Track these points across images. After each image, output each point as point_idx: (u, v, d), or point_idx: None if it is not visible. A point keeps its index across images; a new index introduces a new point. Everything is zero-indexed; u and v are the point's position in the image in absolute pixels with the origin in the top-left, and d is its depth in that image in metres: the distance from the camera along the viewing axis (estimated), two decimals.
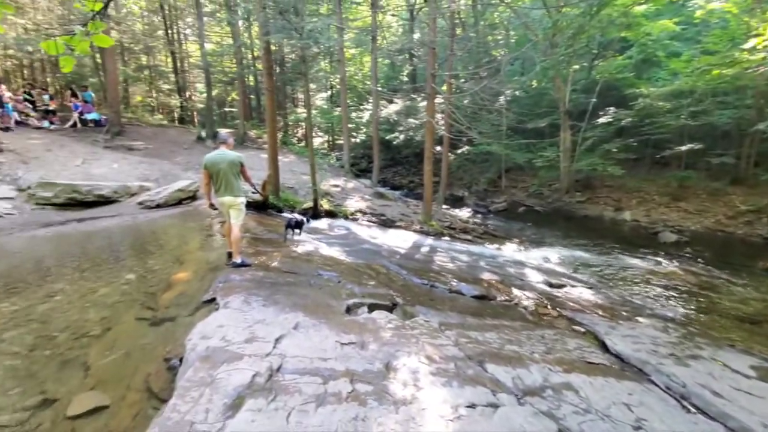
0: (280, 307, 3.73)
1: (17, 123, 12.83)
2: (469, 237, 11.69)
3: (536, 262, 9.33)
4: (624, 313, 6.16)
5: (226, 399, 2.19)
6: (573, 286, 7.48)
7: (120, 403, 2.42)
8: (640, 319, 5.96)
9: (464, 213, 15.62)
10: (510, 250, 10.61)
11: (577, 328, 5.19)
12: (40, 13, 16.55)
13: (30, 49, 15.93)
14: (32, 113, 13.80)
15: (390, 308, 4.54)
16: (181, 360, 2.67)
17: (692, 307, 6.82)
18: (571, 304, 6.28)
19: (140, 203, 9.15)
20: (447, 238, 11.08)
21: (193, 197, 9.89)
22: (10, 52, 18.42)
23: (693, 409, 3.32)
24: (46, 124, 13.96)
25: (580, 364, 3.89)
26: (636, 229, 13.48)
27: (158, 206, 9.01)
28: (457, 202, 18.28)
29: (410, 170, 24.05)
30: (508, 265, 9.04)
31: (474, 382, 3.05)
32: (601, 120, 14.81)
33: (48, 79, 22.06)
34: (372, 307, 4.37)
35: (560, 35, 14.38)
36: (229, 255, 5.07)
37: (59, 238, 6.81)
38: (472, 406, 2.69)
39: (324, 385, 2.54)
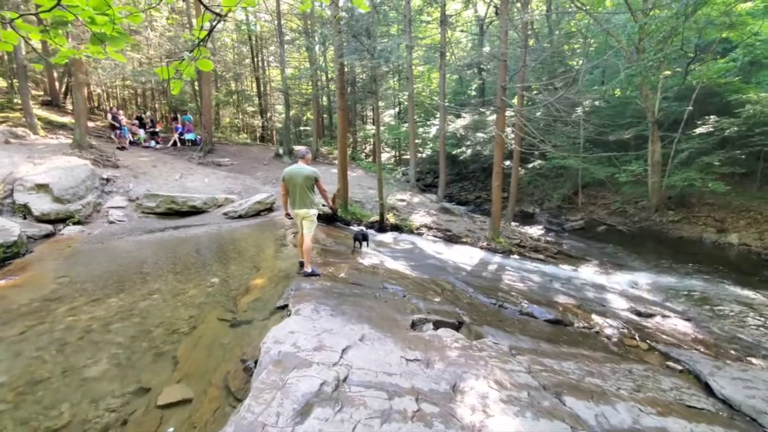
0: (346, 318, 3.79)
1: (130, 143, 14.92)
2: (541, 256, 10.99)
3: (620, 287, 8.45)
4: (732, 352, 5.29)
5: (296, 405, 2.25)
6: (666, 316, 6.63)
7: (202, 398, 2.61)
8: (753, 360, 5.07)
9: (535, 231, 14.79)
10: (588, 272, 9.77)
11: (672, 365, 4.56)
12: (152, 49, 19.26)
13: (143, 79, 18.58)
14: (142, 134, 15.96)
15: (456, 326, 4.39)
16: (256, 362, 2.82)
17: None
18: (665, 336, 5.55)
19: (225, 214, 10.03)
20: (516, 256, 10.54)
21: (270, 209, 10.61)
22: (128, 82, 21.64)
23: None
24: (152, 143, 16.04)
25: (678, 407, 3.39)
26: (745, 255, 11.63)
27: (240, 217, 9.80)
28: (527, 219, 17.37)
29: (477, 185, 23.48)
30: (587, 288, 8.31)
31: (550, 415, 2.79)
32: (699, 130, 13.18)
33: (156, 105, 25.49)
34: (437, 324, 4.26)
35: (648, 39, 13.20)
36: (301, 264, 5.31)
37: (158, 244, 7.69)
38: None
39: (389, 401, 2.51)
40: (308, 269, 5.04)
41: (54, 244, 7.37)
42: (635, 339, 5.33)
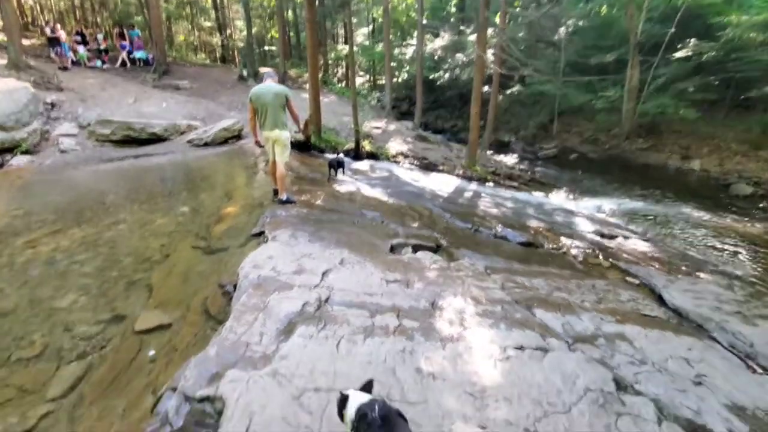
0: (325, 243, 3.76)
1: (73, 63, 13.27)
2: (514, 184, 11.18)
3: (587, 212, 8.82)
4: (684, 268, 5.74)
5: (279, 324, 2.26)
6: (627, 237, 7.03)
7: (181, 322, 2.58)
8: (701, 274, 5.54)
9: (510, 159, 14.90)
10: (559, 198, 10.08)
11: (630, 279, 4.91)
12: None
13: None
14: (82, 52, 14.14)
15: (434, 249, 4.47)
16: (235, 287, 2.78)
17: (764, 265, 6.23)
18: (625, 255, 5.92)
19: (189, 141, 9.40)
20: (491, 184, 10.66)
21: (238, 136, 10.02)
22: None
23: (760, 370, 3.09)
24: (98, 63, 14.35)
25: (635, 315, 3.69)
26: (704, 180, 12.25)
27: (206, 144, 9.23)
28: (502, 147, 17.35)
29: (453, 113, 22.91)
30: (557, 213, 8.62)
31: (522, 325, 2.97)
32: (679, 54, 12.97)
33: (98, 20, 22.39)
34: (416, 248, 4.32)
35: None
36: (275, 192, 5.12)
37: (119, 173, 7.21)
38: (520, 348, 2.63)
39: (371, 318, 2.56)
40: (283, 197, 4.88)
41: (4, 175, 6.77)
42: (599, 258, 5.65)
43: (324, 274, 3.06)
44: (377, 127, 13.84)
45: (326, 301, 2.68)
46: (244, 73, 17.19)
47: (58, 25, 13.41)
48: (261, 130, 4.78)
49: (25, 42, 13.40)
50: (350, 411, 1.42)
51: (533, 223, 7.23)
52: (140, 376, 2.12)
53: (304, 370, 1.89)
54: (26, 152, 7.84)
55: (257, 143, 5.01)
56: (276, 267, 2.97)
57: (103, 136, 8.95)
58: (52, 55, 12.73)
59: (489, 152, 14.79)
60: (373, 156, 10.60)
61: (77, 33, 14.81)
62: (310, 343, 2.11)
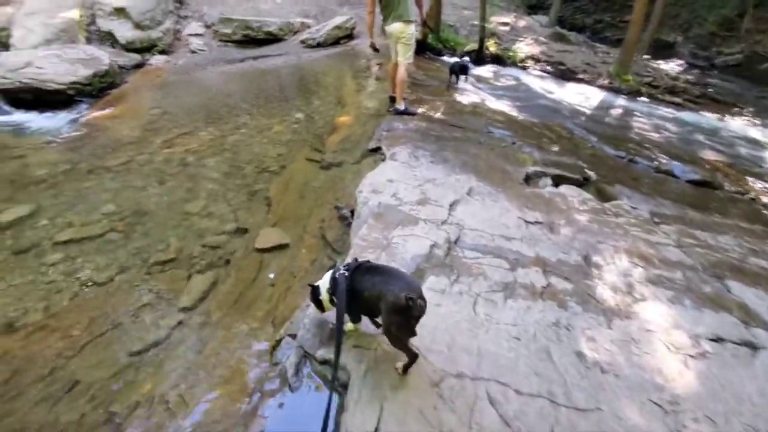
0: (449, 167, 3.20)
1: None
2: (678, 100, 8.76)
3: None
4: None
5: (405, 269, 1.90)
6: None
7: (299, 244, 2.42)
8: None
9: (673, 66, 11.67)
10: (740, 123, 7.67)
11: None
12: None
13: None
14: None
15: (579, 183, 3.61)
16: (352, 213, 2.49)
17: None
18: None
19: (302, 42, 9.06)
20: (645, 98, 8.51)
21: (350, 36, 9.32)
22: None
23: None
24: None
25: None
26: None
27: (318, 45, 8.80)
28: (663, 50, 13.56)
29: (599, 5, 18.35)
30: (739, 144, 6.59)
31: (715, 304, 2.19)
32: None
33: None
34: (557, 180, 3.52)
35: None
36: (392, 100, 4.57)
37: (240, 75, 7.30)
38: (718, 339, 1.92)
39: (512, 272, 2.06)
40: (400, 106, 4.30)
41: (145, 75, 7.35)
42: None
43: (451, 206, 2.57)
44: (504, 23, 11.71)
45: (456, 242, 2.22)
46: None
47: None
48: (383, 23, 4.06)
49: None
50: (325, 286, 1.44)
51: (707, 155, 5.60)
52: (261, 300, 2.04)
53: (441, 344, 1.53)
54: (162, 52, 8.34)
55: (372, 46, 4.33)
56: (397, 193, 2.56)
57: (225, 35, 9.06)
58: None
59: (645, 57, 11.69)
60: (497, 60, 9.07)
61: None
62: (444, 301, 1.73)
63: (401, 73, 4.21)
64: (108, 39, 8.02)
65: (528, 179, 3.46)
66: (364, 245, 2.01)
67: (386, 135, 3.69)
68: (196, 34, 9.22)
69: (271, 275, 2.25)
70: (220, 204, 3.04)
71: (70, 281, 2.35)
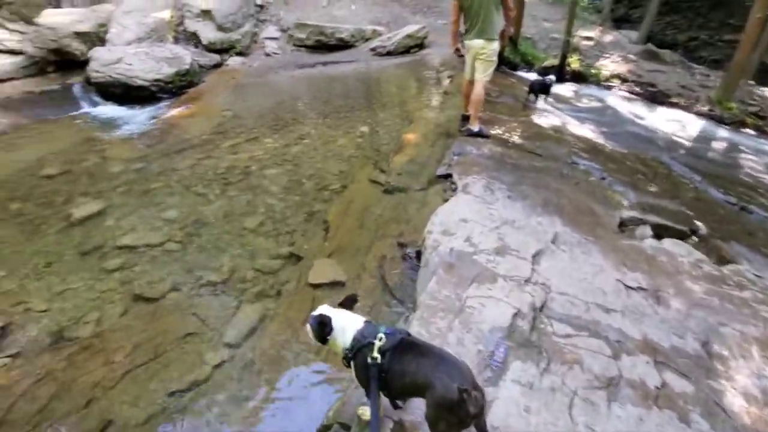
0: (529, 204, 2.80)
1: None
2: None
3: None
4: None
5: (482, 345, 1.57)
6: None
7: (355, 284, 2.19)
8: None
9: None
10: None
11: None
12: None
13: None
14: None
15: (685, 236, 3.03)
16: (418, 254, 2.20)
17: None
18: None
19: (372, 49, 8.96)
20: (751, 131, 7.39)
21: (421, 45, 9.08)
22: None
23: None
24: None
25: None
26: None
27: (389, 53, 8.65)
28: None
29: (694, 21, 16.49)
30: None
31: None
32: None
33: None
34: (659, 230, 2.97)
35: None
36: (464, 118, 4.23)
37: (310, 81, 7.34)
38: None
39: (615, 361, 1.65)
40: (474, 127, 3.95)
41: (221, 75, 7.63)
42: None
43: (534, 258, 2.19)
44: (588, 38, 10.85)
45: (542, 309, 1.85)
46: None
47: None
48: (464, 36, 3.76)
49: None
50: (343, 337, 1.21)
51: None
52: (309, 352, 1.81)
53: None
54: (240, 53, 8.65)
55: (456, 51, 4.05)
56: (471, 237, 2.23)
57: (299, 40, 9.22)
58: None
59: (750, 82, 10.23)
60: (579, 77, 8.35)
61: None
62: (533, 402, 1.37)
63: (478, 91, 3.87)
64: (192, 39, 8.44)
65: (622, 226, 2.96)
66: (434, 306, 1.71)
67: (457, 160, 3.36)
68: (272, 38, 9.48)
69: None
70: (277, 222, 2.90)
71: (124, 292, 2.30)
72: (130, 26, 7.82)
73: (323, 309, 1.29)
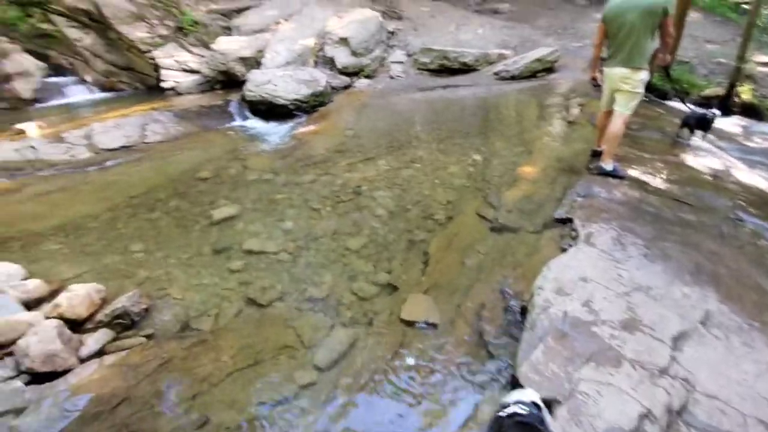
0: (673, 268, 2.31)
1: None
2: None
3: None
4: None
5: None
6: None
7: (449, 330, 2.06)
8: None
9: None
10: None
11: None
12: None
13: None
14: None
15: None
16: (523, 311, 1.98)
17: None
18: None
19: (496, 73, 8.73)
20: None
21: (550, 69, 8.53)
22: None
23: None
24: None
25: None
26: None
27: (512, 78, 8.32)
28: None
29: None
30: None
31: None
32: None
33: None
34: None
35: None
36: (594, 154, 3.78)
37: (428, 104, 7.46)
38: None
39: None
40: (607, 165, 3.48)
41: (348, 96, 8.25)
42: None
43: (675, 342, 1.77)
44: (765, 63, 8.87)
45: (680, 413, 1.47)
46: None
47: None
48: (606, 63, 3.38)
49: None
50: None
51: None
52: (396, 391, 1.74)
53: None
54: (367, 76, 9.27)
55: (593, 80, 3.68)
56: (592, 302, 1.92)
57: (423, 64, 9.50)
58: None
59: None
60: (750, 111, 6.84)
61: None
62: None
63: (616, 125, 3.40)
64: (329, 63, 9.34)
65: None
66: (536, 382, 1.49)
67: (581, 203, 2.98)
68: (398, 62, 9.94)
69: (411, 360, 1.94)
70: (378, 247, 2.94)
71: (240, 293, 2.57)
72: (281, 52, 9.03)
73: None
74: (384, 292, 2.46)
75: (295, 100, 7.12)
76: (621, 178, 3.43)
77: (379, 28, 10.12)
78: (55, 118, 6.73)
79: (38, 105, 7.98)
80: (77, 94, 8.79)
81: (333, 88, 8.36)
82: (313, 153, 5.04)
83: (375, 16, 10.33)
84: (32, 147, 5.10)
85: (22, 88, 8.01)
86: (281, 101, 7.05)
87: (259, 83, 7.25)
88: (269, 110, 7.03)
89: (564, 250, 2.42)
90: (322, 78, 7.84)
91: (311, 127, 6.20)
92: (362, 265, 2.75)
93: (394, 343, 2.04)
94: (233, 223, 3.46)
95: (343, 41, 9.41)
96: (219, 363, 1.98)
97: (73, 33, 8.99)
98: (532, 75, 8.46)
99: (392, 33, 10.88)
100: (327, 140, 5.57)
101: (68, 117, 6.94)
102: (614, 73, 3.31)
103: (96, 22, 8.98)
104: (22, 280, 2.61)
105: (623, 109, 3.32)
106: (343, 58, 9.21)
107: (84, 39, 9.04)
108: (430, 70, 9.43)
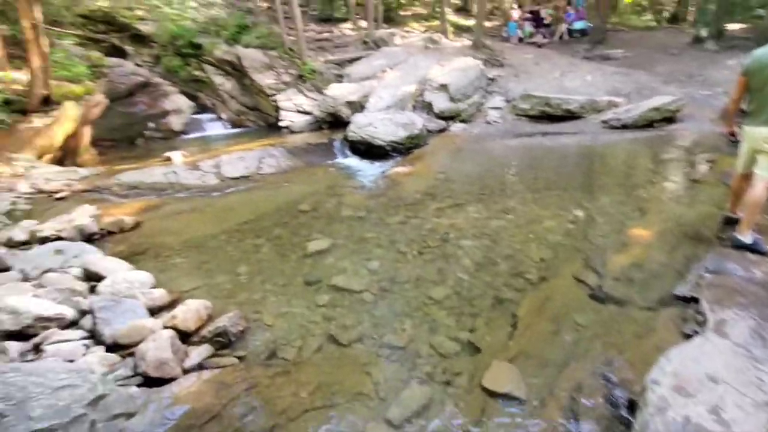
0: None
1: (519, 40, 14.64)
2: None
3: None
4: None
5: None
6: None
7: (537, 411, 1.85)
8: None
9: None
10: None
11: None
12: None
13: None
14: (528, 29, 15.21)
15: None
16: (630, 405, 1.70)
17: None
18: None
19: (604, 122, 8.16)
20: None
21: (671, 119, 7.70)
22: None
23: None
24: (538, 38, 15.12)
25: None
26: None
27: (624, 127, 7.69)
28: None
29: None
30: None
31: None
32: None
33: None
34: None
35: None
36: (727, 221, 3.24)
37: (525, 150, 7.24)
38: None
39: None
40: (745, 237, 2.94)
41: (443, 139, 8.41)
42: None
43: None
44: None
45: None
46: (703, 32, 13.04)
47: (515, 5, 15.04)
48: (747, 122, 2.95)
49: (487, 24, 15.98)
50: None
51: None
52: None
53: None
54: (463, 120, 9.38)
55: (731, 135, 3.24)
56: (722, 409, 1.57)
57: (522, 110, 9.32)
58: (504, 34, 14.60)
59: None
60: None
61: (530, 12, 16.05)
62: None
63: (758, 190, 2.88)
64: (426, 108, 9.71)
65: None
66: None
67: (711, 281, 2.53)
68: (496, 107, 9.91)
69: None
70: (462, 300, 2.84)
71: (323, 328, 2.66)
72: (384, 97, 9.68)
73: None
74: (465, 352, 2.33)
75: (392, 141, 7.48)
76: (762, 254, 2.86)
77: (479, 75, 10.28)
78: (194, 148, 8.06)
79: (184, 136, 9.68)
80: (214, 128, 10.55)
81: (429, 131, 8.61)
82: (404, 194, 5.17)
83: (476, 64, 10.55)
84: (174, 172, 6.13)
85: (175, 122, 9.82)
86: (379, 142, 7.46)
87: (361, 125, 7.80)
88: (368, 150, 7.48)
89: (687, 337, 2.05)
90: (419, 121, 8.16)
91: (405, 168, 6.41)
92: (444, 318, 2.66)
93: (473, 411, 1.89)
94: (324, 256, 3.66)
95: (443, 87, 9.73)
96: (298, 398, 2.05)
97: (218, 79, 10.87)
98: (648, 125, 7.73)
99: (492, 80, 10.95)
100: (419, 182, 5.69)
101: (204, 148, 8.26)
102: (757, 133, 2.86)
103: (236, 70, 10.73)
104: (150, 288, 3.07)
105: (766, 173, 2.82)
106: (440, 103, 9.49)
107: (225, 84, 10.85)
108: (529, 116, 9.20)
